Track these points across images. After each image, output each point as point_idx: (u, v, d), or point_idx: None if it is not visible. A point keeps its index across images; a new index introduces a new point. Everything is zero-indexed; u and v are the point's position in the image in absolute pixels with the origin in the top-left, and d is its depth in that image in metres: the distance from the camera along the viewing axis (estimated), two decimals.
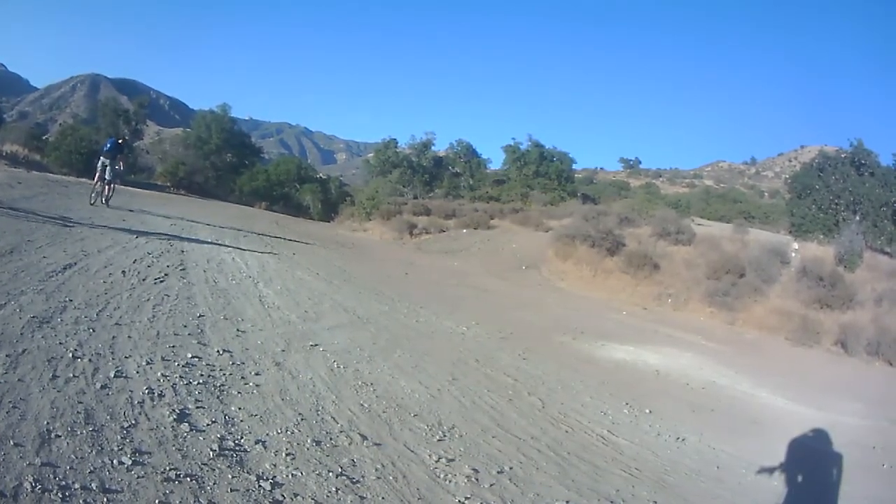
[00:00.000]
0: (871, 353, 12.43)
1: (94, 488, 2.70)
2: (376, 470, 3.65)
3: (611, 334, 10.70)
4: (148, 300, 6.08)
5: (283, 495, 3.10)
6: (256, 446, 3.54)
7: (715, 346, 11.48)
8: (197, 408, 3.83)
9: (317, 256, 13.90)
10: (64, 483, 2.67)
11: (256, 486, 3.10)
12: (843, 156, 25.99)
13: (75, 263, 6.88)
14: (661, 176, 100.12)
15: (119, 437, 3.19)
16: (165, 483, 2.90)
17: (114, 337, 4.73)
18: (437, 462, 3.97)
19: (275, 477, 3.25)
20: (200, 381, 4.28)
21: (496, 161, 45.12)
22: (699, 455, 5.50)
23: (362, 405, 4.69)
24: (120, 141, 15.34)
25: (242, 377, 4.61)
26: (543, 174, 39.41)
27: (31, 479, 2.62)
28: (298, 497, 3.13)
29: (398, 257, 18.90)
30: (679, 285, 16.46)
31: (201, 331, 5.54)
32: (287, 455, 3.52)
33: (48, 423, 3.13)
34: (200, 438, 3.44)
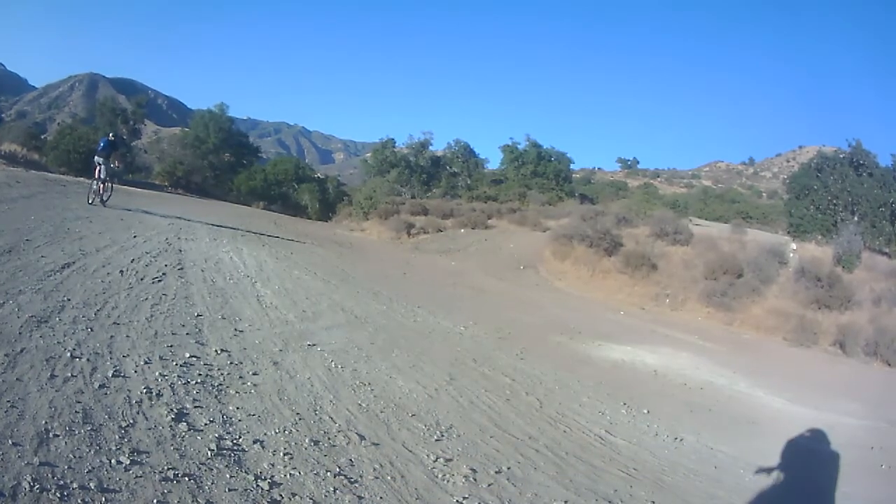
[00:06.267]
0: (869, 353, 12.47)
1: (93, 488, 2.69)
2: (374, 470, 3.65)
3: (608, 334, 10.71)
4: (146, 299, 6.07)
5: (281, 495, 3.10)
6: (254, 446, 3.54)
7: (713, 347, 11.50)
8: (195, 407, 3.82)
9: (314, 256, 13.89)
10: (62, 482, 2.66)
11: (254, 486, 3.10)
12: (841, 156, 26.08)
13: (73, 263, 6.86)
14: (659, 176, 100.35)
15: (117, 437, 3.18)
16: (163, 483, 2.89)
17: (112, 336, 4.72)
18: (435, 462, 3.97)
19: (273, 476, 3.25)
20: (198, 380, 4.28)
21: (494, 161, 45.40)
22: (697, 455, 5.51)
23: (360, 405, 4.69)
24: (112, 138, 15.19)
25: (240, 377, 4.61)
26: (541, 174, 39.53)
27: (29, 478, 2.62)
28: (296, 497, 3.13)
29: (396, 257, 18.90)
30: (677, 285, 16.49)
31: (199, 330, 5.53)
32: (285, 455, 3.52)
33: (46, 422, 3.13)
34: (198, 438, 3.44)
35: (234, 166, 35.24)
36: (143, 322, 5.32)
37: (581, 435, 5.33)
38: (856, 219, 23.22)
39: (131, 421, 3.41)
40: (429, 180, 39.81)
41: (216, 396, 4.10)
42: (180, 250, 9.48)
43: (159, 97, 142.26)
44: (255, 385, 4.51)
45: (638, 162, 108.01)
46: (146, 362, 4.35)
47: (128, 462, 2.96)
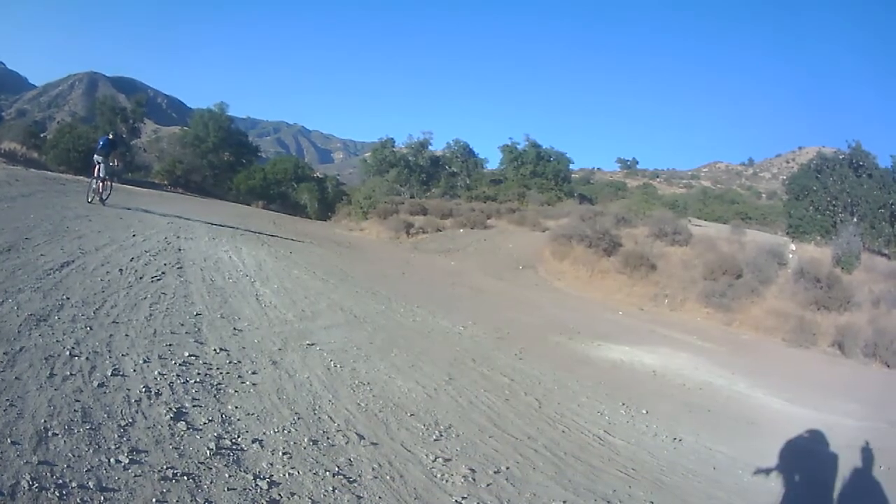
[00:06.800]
0: (868, 354, 12.48)
1: (92, 487, 2.69)
2: (373, 469, 3.65)
3: (607, 334, 10.71)
4: (145, 298, 6.06)
5: (279, 494, 3.10)
6: (253, 445, 3.54)
7: (711, 347, 11.51)
8: (194, 406, 3.82)
9: (313, 255, 13.88)
10: (61, 481, 2.66)
11: (253, 485, 3.10)
12: (841, 157, 26.10)
13: (72, 261, 6.86)
14: (658, 176, 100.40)
15: (116, 436, 3.18)
16: (162, 482, 2.89)
17: (111, 335, 4.72)
18: (433, 462, 3.97)
19: (272, 476, 3.25)
20: (197, 379, 4.28)
21: (493, 161, 45.41)
22: (696, 455, 5.52)
23: (359, 404, 4.69)
24: (111, 137, 15.18)
25: (239, 376, 4.61)
26: (540, 174, 39.55)
27: (28, 477, 2.61)
28: (295, 496, 3.13)
29: (395, 256, 18.89)
30: (676, 286, 16.49)
31: (198, 329, 5.53)
32: (284, 454, 3.52)
33: (45, 421, 3.13)
34: (197, 437, 3.44)
35: (234, 165, 35.21)
36: (142, 321, 5.32)
37: (580, 435, 5.34)
38: (855, 220, 23.26)
39: (130, 420, 3.41)
40: (428, 180, 39.84)
41: (215, 395, 4.10)
42: (179, 249, 9.47)
43: (159, 96, 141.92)
44: (253, 384, 4.51)
45: (637, 162, 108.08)
46: (145, 361, 4.35)
47: (127, 461, 2.96)
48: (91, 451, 2.97)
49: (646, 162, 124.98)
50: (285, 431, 3.83)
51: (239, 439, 3.57)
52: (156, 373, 4.18)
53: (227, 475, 3.13)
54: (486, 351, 7.69)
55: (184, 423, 3.55)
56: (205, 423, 3.63)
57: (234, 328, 5.87)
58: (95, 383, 3.74)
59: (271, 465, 3.37)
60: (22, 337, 4.20)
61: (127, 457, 3.00)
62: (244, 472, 3.21)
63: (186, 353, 4.76)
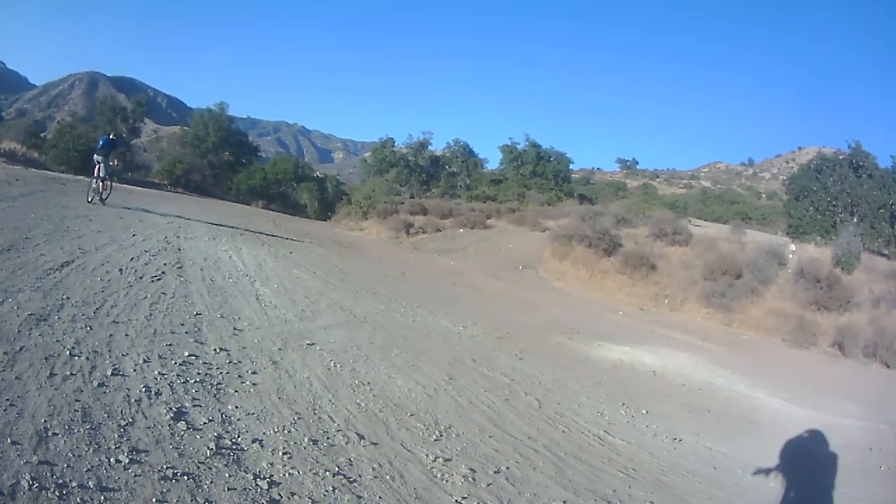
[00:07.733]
0: (868, 354, 12.48)
1: (92, 486, 2.69)
2: (373, 469, 3.65)
3: (607, 334, 10.71)
4: (145, 298, 6.07)
5: (280, 494, 3.10)
6: (253, 445, 3.54)
7: (711, 347, 11.51)
8: (194, 406, 3.83)
9: (313, 255, 13.88)
10: (61, 481, 2.66)
11: (253, 485, 3.10)
12: (841, 157, 26.11)
13: (73, 261, 6.86)
14: (658, 177, 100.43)
15: (116, 436, 3.18)
16: (162, 482, 2.89)
17: (111, 335, 4.72)
18: (433, 462, 3.97)
19: (272, 476, 3.25)
20: (197, 379, 4.28)
21: (493, 161, 45.34)
22: (696, 455, 5.52)
23: (359, 404, 4.69)
24: (112, 137, 15.20)
25: (239, 376, 4.61)
26: (540, 174, 39.54)
27: (28, 477, 2.61)
28: (295, 496, 3.13)
29: (395, 256, 18.88)
30: (676, 286, 16.49)
31: (198, 329, 5.53)
32: (284, 454, 3.52)
33: (45, 421, 3.13)
34: (197, 437, 3.44)
35: (234, 165, 35.15)
36: (143, 321, 5.32)
37: (580, 435, 5.34)
38: (855, 220, 23.27)
39: (130, 420, 3.41)
40: (428, 180, 39.80)
41: (215, 395, 4.10)
42: (179, 249, 9.48)
43: (159, 96, 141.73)
44: (253, 384, 4.51)
45: (637, 162, 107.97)
46: (145, 361, 4.35)
47: (127, 461, 2.96)
48: (91, 450, 2.97)
49: (646, 162, 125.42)
50: (285, 431, 3.83)
51: (239, 439, 3.57)
52: (156, 372, 4.18)
53: (227, 475, 3.13)
54: (486, 351, 7.69)
55: (184, 422, 3.55)
56: (205, 423, 3.63)
57: (234, 328, 5.87)
58: (95, 383, 3.74)
59: (271, 464, 3.37)
60: (22, 337, 4.20)
61: (127, 456, 3.00)
62: (244, 471, 3.21)
63: (186, 353, 4.77)
